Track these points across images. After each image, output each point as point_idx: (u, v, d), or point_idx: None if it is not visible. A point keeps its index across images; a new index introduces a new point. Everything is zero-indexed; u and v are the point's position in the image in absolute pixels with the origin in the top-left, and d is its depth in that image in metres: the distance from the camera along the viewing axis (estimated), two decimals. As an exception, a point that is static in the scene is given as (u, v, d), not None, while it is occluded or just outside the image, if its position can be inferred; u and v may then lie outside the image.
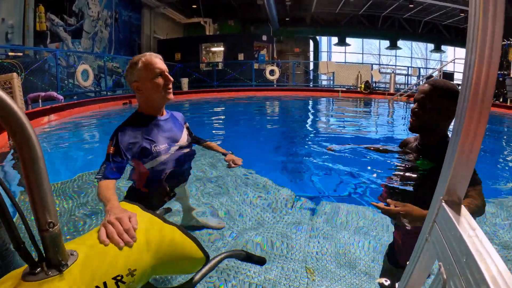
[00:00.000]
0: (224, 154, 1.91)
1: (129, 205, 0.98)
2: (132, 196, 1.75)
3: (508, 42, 12.11)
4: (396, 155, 1.77)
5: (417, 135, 1.57)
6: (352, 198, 2.62)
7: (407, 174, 1.57)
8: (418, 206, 1.19)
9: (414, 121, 1.46)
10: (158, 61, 1.58)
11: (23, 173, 0.52)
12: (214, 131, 5.65)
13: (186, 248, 0.84)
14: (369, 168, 3.04)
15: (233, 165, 1.79)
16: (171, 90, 1.63)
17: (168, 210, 1.52)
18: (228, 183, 2.80)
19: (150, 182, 1.70)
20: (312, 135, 5.55)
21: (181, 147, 1.74)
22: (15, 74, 4.69)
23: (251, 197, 2.57)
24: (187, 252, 0.86)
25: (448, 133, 1.48)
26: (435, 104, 1.39)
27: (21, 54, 8.40)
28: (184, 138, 1.78)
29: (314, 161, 3.66)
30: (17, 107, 0.51)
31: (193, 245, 0.88)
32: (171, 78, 1.62)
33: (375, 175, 2.84)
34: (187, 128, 1.90)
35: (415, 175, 1.52)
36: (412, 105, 1.51)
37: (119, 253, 0.74)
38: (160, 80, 1.57)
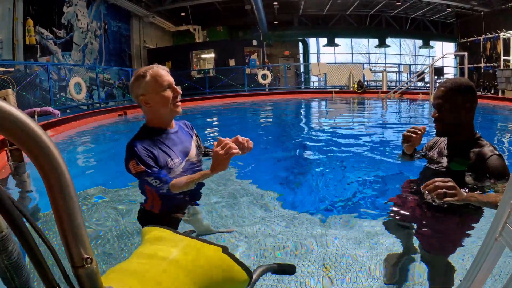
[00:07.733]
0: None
1: (158, 230, 0.87)
2: (144, 219, 1.66)
3: (497, 35, 12.34)
4: (425, 161, 1.75)
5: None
6: (365, 210, 2.49)
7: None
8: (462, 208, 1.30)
9: (438, 126, 1.52)
10: (166, 74, 1.55)
11: (50, 201, 0.46)
12: (209, 142, 5.54)
13: (231, 271, 0.76)
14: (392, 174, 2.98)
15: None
16: (179, 103, 1.59)
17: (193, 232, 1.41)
18: (234, 197, 2.66)
19: (165, 202, 1.62)
20: (314, 138, 5.49)
21: (192, 163, 1.67)
22: (10, 90, 4.61)
23: (258, 208, 2.46)
24: (231, 275, 0.79)
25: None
26: (451, 103, 1.44)
27: (12, 69, 8.25)
28: (194, 150, 1.71)
29: (322, 169, 3.57)
30: (40, 128, 0.44)
31: (238, 268, 0.82)
32: (179, 91, 1.58)
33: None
34: (196, 137, 1.83)
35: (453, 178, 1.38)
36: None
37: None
38: (168, 93, 1.53)
